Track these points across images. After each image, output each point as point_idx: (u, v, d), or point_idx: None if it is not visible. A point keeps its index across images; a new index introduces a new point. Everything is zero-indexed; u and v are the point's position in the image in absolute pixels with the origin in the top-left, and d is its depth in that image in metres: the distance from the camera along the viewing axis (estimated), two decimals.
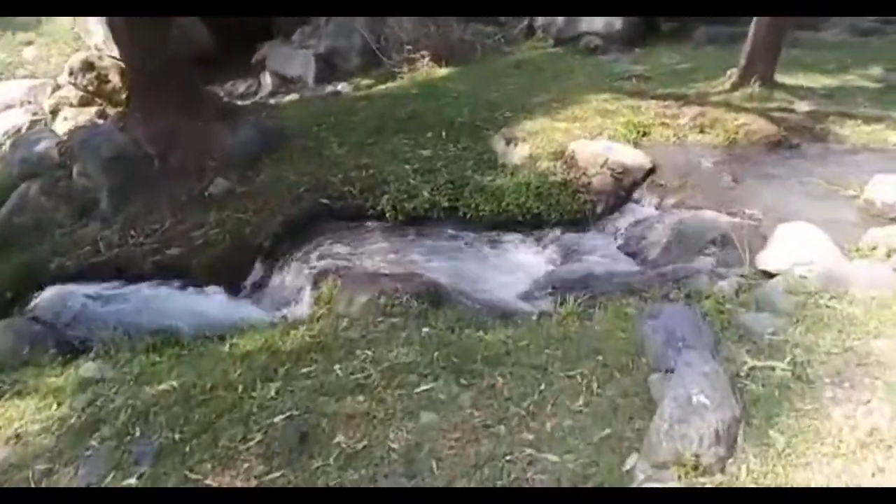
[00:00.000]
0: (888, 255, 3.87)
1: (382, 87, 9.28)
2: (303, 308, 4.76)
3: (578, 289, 4.44)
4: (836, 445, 2.24)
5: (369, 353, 3.34)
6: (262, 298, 5.11)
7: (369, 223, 5.81)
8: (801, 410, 2.43)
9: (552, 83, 8.72)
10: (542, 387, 2.97)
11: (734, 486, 2.18)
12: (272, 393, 3.11)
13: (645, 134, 6.82)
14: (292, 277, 5.15)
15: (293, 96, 9.35)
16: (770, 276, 4.17)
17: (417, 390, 3.02)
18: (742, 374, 2.70)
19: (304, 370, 3.28)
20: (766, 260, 4.27)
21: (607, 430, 2.64)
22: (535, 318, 3.65)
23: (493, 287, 4.76)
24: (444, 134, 7.05)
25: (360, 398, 3.02)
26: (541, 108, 7.43)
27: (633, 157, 6.09)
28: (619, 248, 5.27)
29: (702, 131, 7.00)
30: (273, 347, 3.54)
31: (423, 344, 3.37)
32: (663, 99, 7.74)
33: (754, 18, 7.71)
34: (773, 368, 2.71)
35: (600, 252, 5.16)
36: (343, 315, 3.96)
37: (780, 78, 8.30)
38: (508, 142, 6.62)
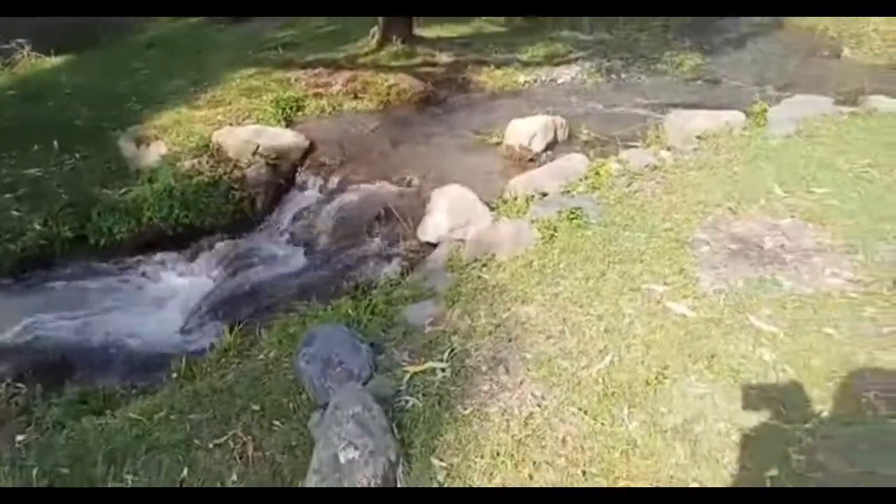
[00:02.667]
0: (526, 204, 4.00)
1: None
2: None
3: (242, 308, 3.87)
4: (493, 454, 2.09)
5: None
6: None
7: None
8: (461, 418, 2.25)
9: (191, 63, 7.70)
10: (185, 472, 2.35)
11: None
12: None
13: (299, 109, 6.36)
14: None
15: None
16: (433, 246, 4.10)
17: None
18: (403, 387, 2.43)
19: None
20: (426, 230, 4.17)
21: None
22: (175, 374, 2.97)
23: (140, 331, 3.92)
24: (56, 144, 5.68)
25: None
26: (176, 96, 6.45)
27: (287, 139, 5.59)
28: (286, 242, 4.77)
29: (356, 97, 6.80)
30: None
31: (17, 460, 2.47)
32: (314, 67, 7.35)
33: None
34: (433, 371, 2.49)
35: (265, 254, 4.62)
36: None
37: (419, 31, 8.53)
38: (140, 142, 5.58)
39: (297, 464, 2.33)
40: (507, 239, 3.49)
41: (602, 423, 2.19)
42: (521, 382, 2.40)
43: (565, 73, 7.68)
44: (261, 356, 3.15)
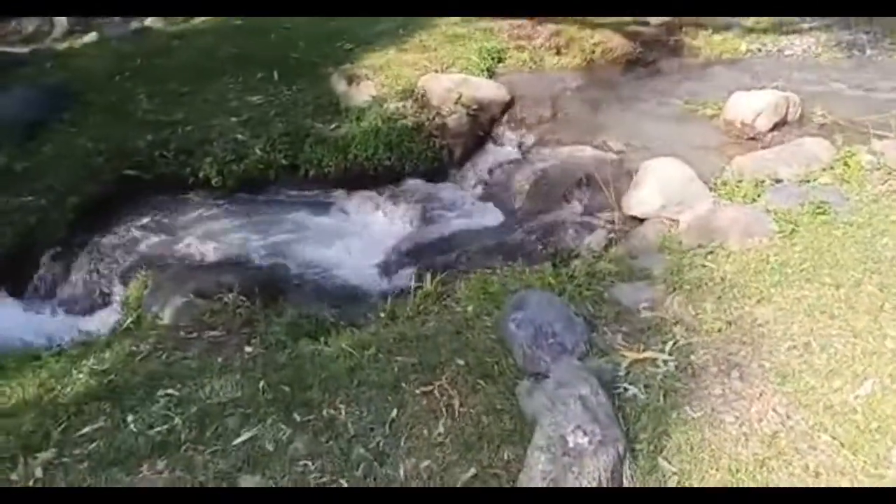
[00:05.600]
0: (756, 189, 3.60)
1: (200, 20, 7.90)
2: (108, 315, 3.87)
3: (437, 257, 3.91)
4: (731, 470, 1.88)
5: (175, 391, 2.61)
6: (58, 305, 4.11)
7: (190, 195, 4.86)
8: (691, 421, 2.06)
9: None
10: (394, 413, 2.41)
11: None
12: (38, 472, 2.33)
13: (500, 60, 6.23)
14: (95, 275, 4.17)
15: (92, 36, 7.75)
16: (639, 221, 3.85)
17: (236, 441, 2.36)
18: (621, 374, 2.28)
19: (87, 429, 2.50)
20: (632, 203, 3.92)
21: (472, 471, 2.14)
22: (382, 314, 3.04)
23: (342, 262, 4.10)
24: (276, 75, 6.06)
25: (161, 463, 2.31)
26: (385, 38, 6.58)
27: (490, 91, 5.50)
28: (480, 198, 4.74)
29: (558, 52, 6.53)
30: (47, 395, 2.71)
31: (246, 370, 2.68)
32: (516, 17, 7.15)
33: None
34: (655, 362, 2.31)
35: (460, 205, 4.62)
36: (149, 330, 3.17)
37: None
38: (351, 81, 5.78)
39: (503, 429, 2.28)
40: (736, 227, 3.16)
41: (864, 462, 1.90)
42: (760, 394, 2.15)
43: (795, 44, 6.80)
44: (458, 308, 3.15)
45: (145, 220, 4.53)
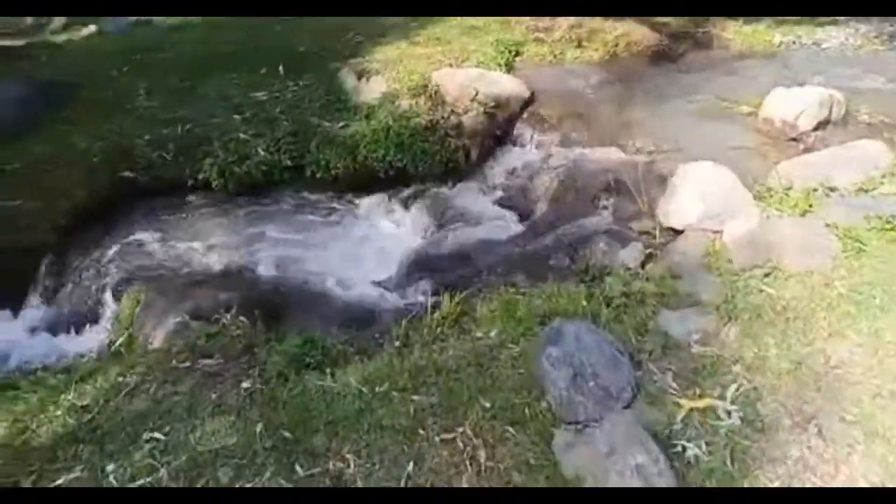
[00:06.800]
0: (808, 198, 3.24)
1: None
2: (97, 333, 3.58)
3: (453, 271, 3.58)
4: None
5: (161, 435, 2.30)
6: (45, 320, 3.81)
7: (190, 198, 4.55)
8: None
9: None
10: (411, 467, 2.09)
11: None
12: None
13: (518, 54, 5.87)
14: (85, 288, 3.87)
15: (91, 28, 7.45)
16: (677, 232, 3.51)
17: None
18: (677, 427, 1.95)
19: (62, 479, 2.20)
20: (669, 212, 3.57)
21: None
22: (396, 341, 2.72)
23: (350, 276, 3.78)
24: (281, 70, 5.73)
25: None
26: (397, 30, 6.24)
27: (508, 86, 5.15)
28: (499, 203, 4.40)
29: (579, 45, 6.16)
30: (19, 437, 2.41)
31: (242, 410, 2.38)
32: None
33: None
34: (715, 412, 1.97)
35: (477, 212, 4.29)
36: (138, 357, 2.86)
37: None
38: (360, 76, 5.45)
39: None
40: (793, 244, 2.81)
41: None
42: (847, 456, 1.81)
43: (832, 36, 6.40)
44: (479, 334, 2.84)
45: (141, 227, 4.23)
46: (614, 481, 1.59)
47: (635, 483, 1.58)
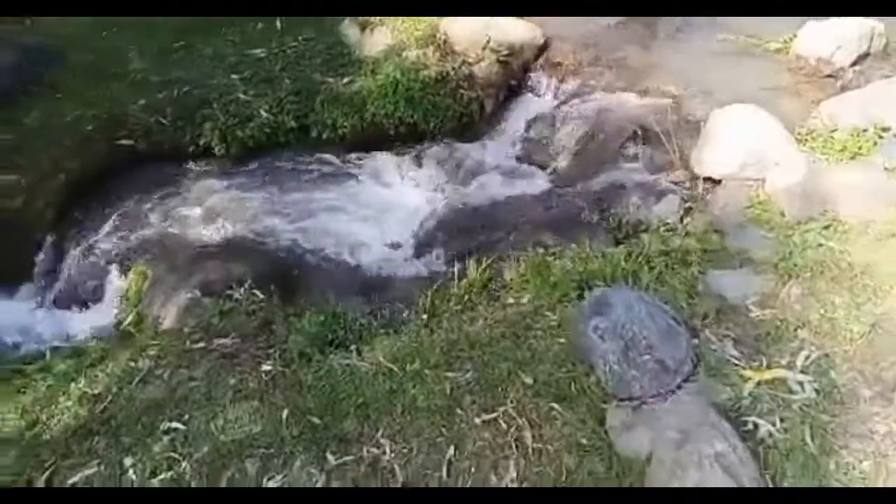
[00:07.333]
0: (857, 141, 3.00)
1: None
2: (104, 311, 3.41)
3: (476, 233, 3.38)
4: None
5: (180, 425, 2.15)
6: (48, 299, 3.64)
7: (190, 164, 4.34)
8: (853, 473, 1.55)
9: None
10: (452, 451, 1.93)
11: None
12: None
13: None
14: (88, 265, 3.68)
15: None
16: (715, 182, 3.28)
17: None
18: (745, 402, 1.77)
19: (77, 476, 2.06)
20: (704, 161, 3.35)
21: None
22: (424, 314, 2.54)
23: (364, 242, 3.58)
24: (279, 24, 5.40)
25: None
26: None
27: (520, 33, 4.82)
28: (518, 158, 4.16)
29: None
30: (30, 430, 2.26)
31: (265, 394, 2.21)
32: None
33: None
34: (787, 385, 1.79)
35: (497, 167, 4.05)
36: (149, 339, 2.70)
37: None
38: (364, 27, 5.11)
39: (595, 475, 1.81)
40: (850, 192, 2.59)
41: None
42: None
43: None
44: (511, 300, 2.66)
45: (142, 198, 4.02)
46: (691, 476, 1.42)
47: (717, 475, 1.41)
